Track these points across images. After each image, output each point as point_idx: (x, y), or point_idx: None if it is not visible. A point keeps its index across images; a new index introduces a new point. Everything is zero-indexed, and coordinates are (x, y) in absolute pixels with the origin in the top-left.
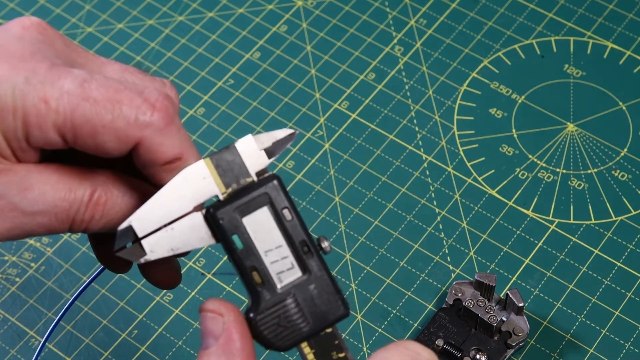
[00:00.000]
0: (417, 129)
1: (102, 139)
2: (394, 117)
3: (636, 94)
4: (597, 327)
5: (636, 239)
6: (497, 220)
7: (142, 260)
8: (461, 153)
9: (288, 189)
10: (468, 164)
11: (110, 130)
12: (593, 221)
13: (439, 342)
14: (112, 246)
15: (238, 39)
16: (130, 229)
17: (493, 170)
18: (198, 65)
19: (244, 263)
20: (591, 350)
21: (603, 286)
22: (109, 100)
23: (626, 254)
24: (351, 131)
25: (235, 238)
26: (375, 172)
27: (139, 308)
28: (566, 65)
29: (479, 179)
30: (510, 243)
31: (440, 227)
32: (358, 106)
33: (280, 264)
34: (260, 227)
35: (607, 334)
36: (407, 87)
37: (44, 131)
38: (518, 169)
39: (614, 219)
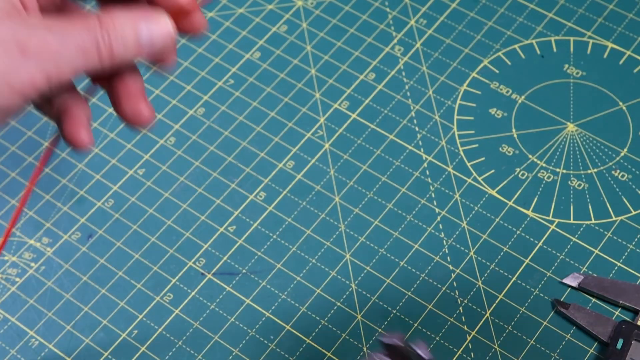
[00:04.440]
0: (417, 129)
1: None
2: (394, 117)
3: (636, 94)
4: None
5: (636, 239)
6: (497, 220)
7: None
8: (461, 153)
9: (288, 189)
10: (468, 164)
11: None
12: (593, 221)
13: None
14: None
15: (238, 39)
16: None
17: (493, 170)
18: (198, 65)
19: None
20: (591, 351)
21: None
22: None
23: (626, 254)
24: (351, 131)
25: None
26: (375, 172)
27: (139, 308)
28: (566, 65)
29: (479, 179)
30: (510, 243)
31: (440, 227)
32: (358, 106)
33: None
34: None
35: None
36: (407, 87)
37: None
38: (518, 169)
39: (614, 219)
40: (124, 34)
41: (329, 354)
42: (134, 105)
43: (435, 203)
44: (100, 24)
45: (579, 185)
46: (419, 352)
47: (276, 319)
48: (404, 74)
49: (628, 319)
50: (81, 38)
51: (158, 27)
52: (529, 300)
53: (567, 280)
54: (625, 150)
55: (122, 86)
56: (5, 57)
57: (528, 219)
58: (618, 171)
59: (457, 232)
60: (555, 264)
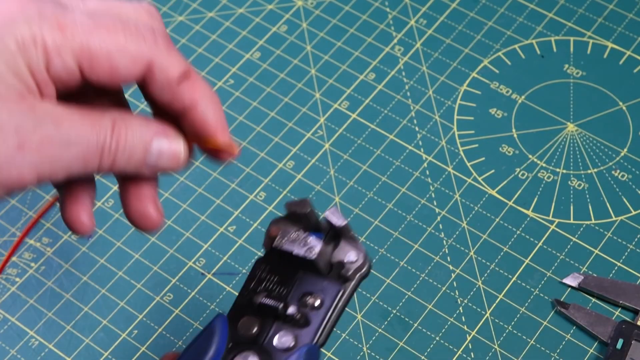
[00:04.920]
0: (417, 129)
1: (118, 61)
2: (394, 117)
3: (636, 94)
4: None
5: (636, 239)
6: (497, 220)
7: None
8: (461, 153)
9: (288, 188)
10: (468, 164)
11: (125, 53)
12: (593, 221)
13: (257, 299)
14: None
15: (238, 39)
16: None
17: (493, 170)
18: (198, 65)
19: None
20: (591, 350)
21: None
22: (119, 28)
23: (626, 254)
24: (351, 131)
25: None
26: (375, 172)
27: (139, 308)
28: (566, 65)
29: (479, 179)
30: (510, 243)
31: (440, 227)
32: (358, 106)
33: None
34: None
35: None
36: (407, 87)
37: (63, 57)
38: (518, 169)
39: (614, 219)
40: (133, 148)
41: (329, 354)
42: (142, 207)
43: (435, 203)
44: (112, 129)
45: (579, 185)
46: (331, 219)
47: None
48: (404, 74)
49: (628, 319)
50: (87, 142)
51: (169, 149)
52: (529, 300)
53: (567, 280)
54: (625, 150)
55: (132, 184)
56: None
57: (528, 219)
58: (618, 171)
59: (457, 232)
60: (555, 264)
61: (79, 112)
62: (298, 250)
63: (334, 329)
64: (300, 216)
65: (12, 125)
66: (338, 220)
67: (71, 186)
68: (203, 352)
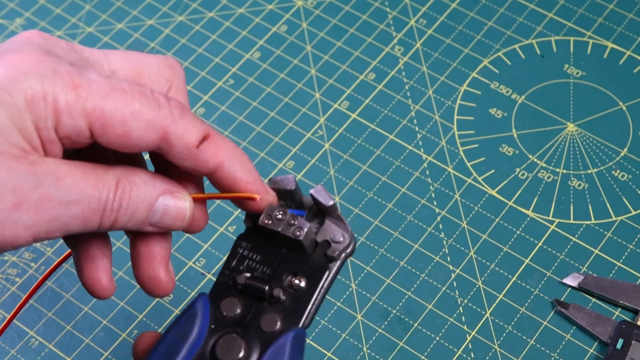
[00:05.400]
0: (417, 129)
1: (131, 127)
2: (394, 117)
3: (636, 94)
4: None
5: (636, 239)
6: (497, 220)
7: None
8: (461, 153)
9: None
10: (468, 164)
11: (139, 118)
12: (593, 221)
13: (240, 279)
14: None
15: (238, 39)
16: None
17: (493, 170)
18: (198, 65)
19: None
20: (591, 351)
21: None
22: (135, 93)
23: (626, 254)
24: (351, 131)
25: None
26: (375, 172)
27: (139, 308)
28: (566, 65)
29: (479, 179)
30: (510, 243)
31: (440, 227)
32: (358, 106)
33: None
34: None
35: None
36: (407, 87)
37: (74, 118)
38: (518, 169)
39: (614, 219)
40: (136, 208)
41: (329, 354)
42: (152, 271)
43: (435, 203)
44: (115, 188)
45: (579, 185)
46: (319, 198)
47: None
48: (404, 74)
49: (628, 319)
50: (88, 201)
51: (175, 206)
52: (529, 300)
53: (567, 280)
54: (625, 150)
55: (142, 242)
56: None
57: (528, 219)
58: (618, 171)
59: (457, 232)
60: (555, 264)
61: (82, 169)
62: (286, 230)
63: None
64: (285, 193)
65: (10, 184)
66: (325, 200)
67: (86, 243)
68: (185, 335)
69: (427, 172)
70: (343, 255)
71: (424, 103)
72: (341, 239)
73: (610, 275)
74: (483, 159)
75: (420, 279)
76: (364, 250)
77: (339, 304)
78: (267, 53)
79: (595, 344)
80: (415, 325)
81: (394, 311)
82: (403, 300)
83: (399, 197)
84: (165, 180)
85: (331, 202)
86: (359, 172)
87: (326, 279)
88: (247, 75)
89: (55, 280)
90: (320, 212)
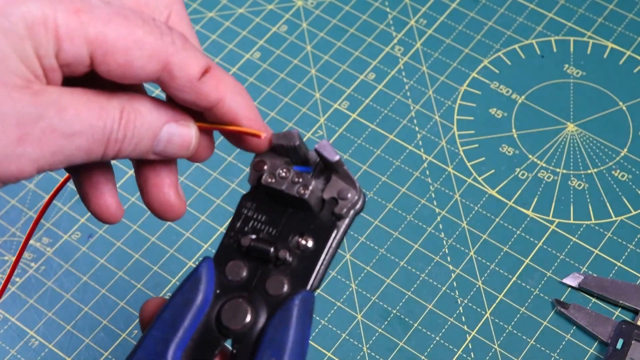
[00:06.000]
0: (417, 129)
1: (134, 55)
2: (394, 117)
3: (636, 94)
4: None
5: (636, 239)
6: (497, 220)
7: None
8: (461, 153)
9: None
10: (468, 164)
11: (142, 46)
12: (593, 221)
13: (245, 241)
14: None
15: (238, 39)
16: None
17: (493, 170)
18: None
19: None
20: (591, 350)
21: None
22: (138, 20)
23: (626, 254)
24: (351, 131)
25: None
26: (375, 172)
27: (139, 308)
28: (566, 65)
29: (479, 179)
30: (510, 243)
31: (440, 227)
32: (358, 106)
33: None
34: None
35: None
36: (407, 87)
37: (75, 44)
38: (518, 169)
39: (614, 219)
40: (141, 137)
41: (329, 354)
42: (163, 196)
43: (435, 203)
44: (120, 117)
45: (579, 185)
46: (324, 153)
47: None
48: (404, 74)
49: (628, 319)
50: (92, 132)
51: (180, 135)
52: (529, 300)
53: (567, 280)
54: (625, 150)
55: (149, 171)
56: None
57: (528, 219)
58: (618, 171)
59: (457, 232)
60: (555, 264)
61: (86, 98)
62: (290, 189)
63: (335, 330)
64: (288, 149)
65: (14, 116)
66: (331, 155)
67: (89, 172)
68: (189, 301)
69: (427, 172)
70: (352, 212)
71: (424, 103)
72: (349, 195)
73: (610, 275)
74: (483, 159)
75: (420, 279)
76: (364, 250)
77: (339, 304)
78: (267, 53)
79: (595, 344)
80: (415, 325)
81: (394, 311)
82: (403, 300)
83: (399, 197)
84: (170, 107)
85: (337, 158)
86: (359, 172)
87: (334, 237)
88: (247, 75)
89: (55, 280)
90: (326, 168)
